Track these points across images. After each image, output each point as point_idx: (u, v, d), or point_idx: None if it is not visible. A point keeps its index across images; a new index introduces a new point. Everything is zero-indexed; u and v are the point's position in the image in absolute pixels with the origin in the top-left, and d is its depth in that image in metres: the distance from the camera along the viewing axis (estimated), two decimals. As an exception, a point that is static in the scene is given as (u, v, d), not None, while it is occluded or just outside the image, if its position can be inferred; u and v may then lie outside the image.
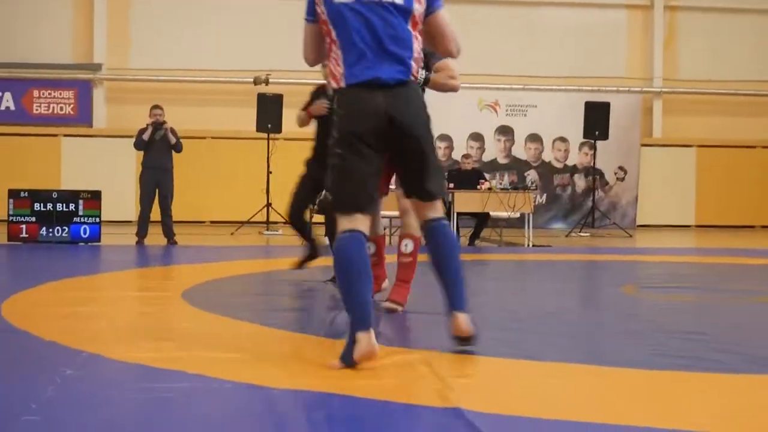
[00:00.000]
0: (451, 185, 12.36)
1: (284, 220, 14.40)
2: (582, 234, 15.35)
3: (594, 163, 16.58)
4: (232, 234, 14.21)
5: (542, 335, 4.82)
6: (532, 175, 16.70)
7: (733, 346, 4.40)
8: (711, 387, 3.58)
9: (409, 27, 3.97)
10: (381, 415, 3.09)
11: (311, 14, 4.06)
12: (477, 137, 16.98)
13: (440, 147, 16.89)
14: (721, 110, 19.00)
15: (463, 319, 4.01)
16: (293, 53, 16.53)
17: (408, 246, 5.49)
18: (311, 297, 6.68)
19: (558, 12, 18.12)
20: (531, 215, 12.82)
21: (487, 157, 17.19)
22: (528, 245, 12.51)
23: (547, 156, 17.90)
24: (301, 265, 7.44)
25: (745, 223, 18.75)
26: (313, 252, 7.46)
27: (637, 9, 18.79)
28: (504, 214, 12.62)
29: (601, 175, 17.69)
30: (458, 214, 12.43)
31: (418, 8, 3.97)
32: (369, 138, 3.88)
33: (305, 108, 6.86)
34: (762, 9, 19.10)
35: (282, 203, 14.46)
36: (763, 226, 18.66)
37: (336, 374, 3.58)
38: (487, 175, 13.83)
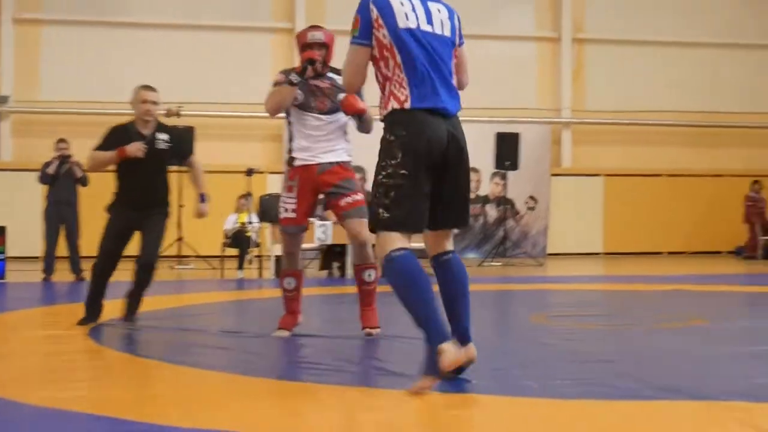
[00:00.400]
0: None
1: (196, 254, 14.41)
2: (494, 263, 15.52)
3: (505, 193, 16.82)
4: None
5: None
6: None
7: (634, 373, 4.47)
8: (608, 412, 3.64)
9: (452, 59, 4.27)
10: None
11: (367, 38, 4.15)
12: (359, 170, 17.02)
13: (357, 177, 16.94)
14: (627, 140, 19.51)
15: (474, 349, 4.18)
16: (205, 85, 16.55)
17: (371, 275, 5.85)
18: (222, 334, 6.58)
19: (469, 44, 18.31)
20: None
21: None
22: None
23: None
24: (83, 322, 6.62)
25: (652, 249, 19.21)
26: (92, 315, 6.65)
27: (546, 41, 19.23)
28: (418, 245, 12.67)
29: (512, 204, 17.92)
30: (374, 245, 12.44)
31: (457, 42, 4.35)
32: (431, 162, 4.04)
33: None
34: (665, 41, 19.68)
35: (194, 237, 14.43)
36: (670, 252, 19.14)
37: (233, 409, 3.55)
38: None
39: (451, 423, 3.58)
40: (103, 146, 6.57)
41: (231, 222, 13.27)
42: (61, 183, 11.37)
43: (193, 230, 14.60)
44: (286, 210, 5.89)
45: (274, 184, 16.94)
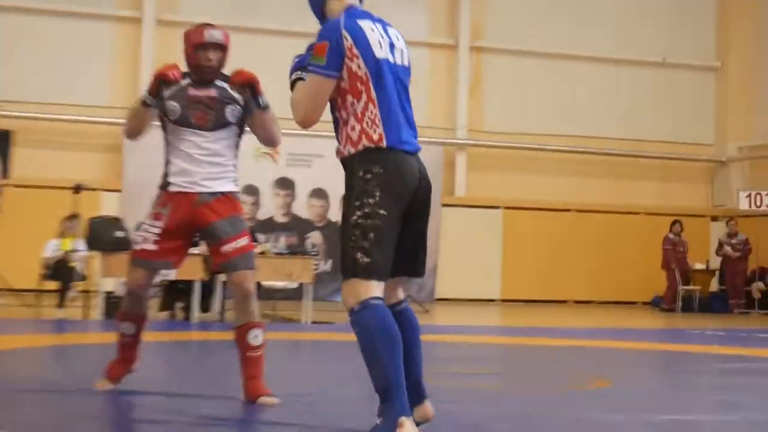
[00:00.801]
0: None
1: (7, 287, 14.01)
2: (372, 308, 15.58)
3: (387, 224, 16.94)
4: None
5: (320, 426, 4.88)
6: (314, 237, 16.82)
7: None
8: None
9: None
10: None
11: (336, 69, 4.22)
12: (251, 191, 16.94)
13: (246, 202, 16.82)
14: (531, 167, 19.90)
15: (431, 407, 4.42)
16: (27, 81, 16.20)
17: (258, 337, 5.59)
18: (39, 386, 6.43)
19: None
20: (311, 286, 12.91)
21: (262, 214, 17.12)
22: (306, 321, 12.57)
23: (334, 215, 18.08)
24: None
25: (556, 297, 19.65)
26: None
27: (441, 49, 19.50)
28: (279, 284, 12.65)
29: (396, 238, 18.07)
30: (224, 282, 12.38)
31: None
32: (406, 202, 4.25)
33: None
34: (578, 55, 20.25)
35: (6, 266, 14.05)
36: (576, 301, 19.58)
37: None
38: (260, 236, 13.85)
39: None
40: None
41: (52, 249, 12.96)
42: None
43: (5, 257, 14.24)
44: (146, 240, 5.68)
45: (107, 205, 16.69)
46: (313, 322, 12.54)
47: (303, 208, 17.73)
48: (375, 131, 4.23)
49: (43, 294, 12.76)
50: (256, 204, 17.16)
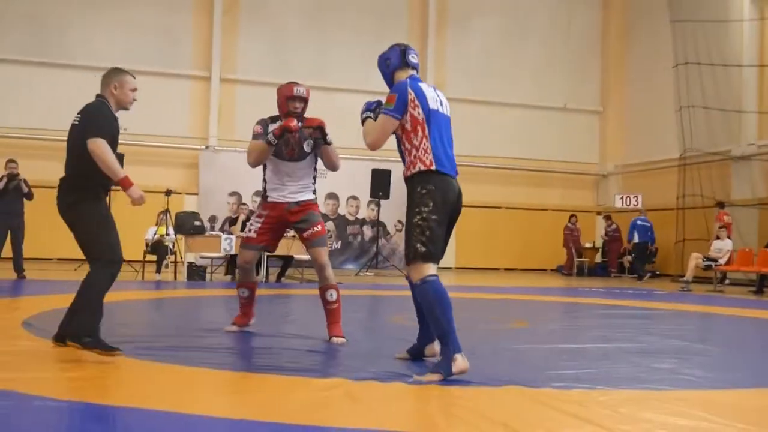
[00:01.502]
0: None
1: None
2: (368, 273, 15.66)
3: (378, 217, 17.01)
4: (75, 270, 13.57)
5: (326, 356, 4.93)
6: (329, 226, 16.91)
7: (480, 365, 4.63)
8: (443, 395, 3.73)
9: None
10: None
11: (400, 113, 4.31)
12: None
13: (255, 201, 16.83)
14: (476, 179, 19.65)
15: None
16: (136, 119, 15.85)
17: (333, 295, 5.60)
18: (147, 325, 6.47)
19: (347, 96, 18.37)
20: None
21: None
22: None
23: (342, 210, 18.20)
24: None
25: (493, 266, 19.70)
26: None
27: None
28: (306, 257, 12.72)
29: (384, 226, 18.14)
30: (268, 256, 12.44)
31: None
32: (448, 211, 4.29)
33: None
34: (509, 102, 20.25)
35: (122, 244, 14.04)
36: (506, 269, 19.63)
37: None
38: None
39: (322, 403, 3.62)
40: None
41: (151, 233, 13.01)
42: (10, 197, 11.24)
43: (121, 239, 14.24)
44: (250, 230, 5.75)
45: (188, 203, 16.73)
46: (328, 283, 12.55)
47: (322, 206, 17.81)
48: (427, 158, 4.27)
49: (146, 264, 12.80)
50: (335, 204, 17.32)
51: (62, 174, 4.59)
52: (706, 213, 17.06)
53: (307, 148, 5.70)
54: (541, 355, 5.22)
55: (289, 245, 12.25)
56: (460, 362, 4.06)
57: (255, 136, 5.63)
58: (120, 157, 15.02)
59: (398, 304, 9.49)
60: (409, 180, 4.34)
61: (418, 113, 4.31)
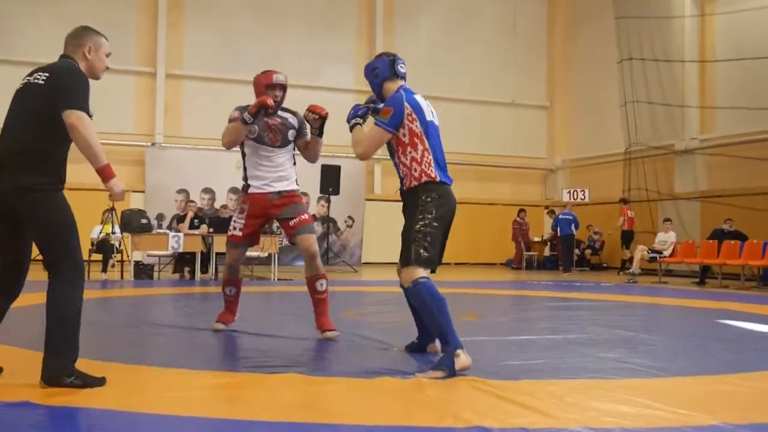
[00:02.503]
0: (211, 229, 12.27)
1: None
2: (318, 270, 15.61)
3: (328, 213, 17.00)
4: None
5: (286, 354, 4.93)
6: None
7: (410, 357, 4.69)
8: (393, 390, 3.77)
9: None
10: None
11: (395, 127, 4.33)
12: (234, 191, 16.91)
13: (203, 198, 16.70)
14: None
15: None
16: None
17: (323, 284, 5.54)
18: (90, 324, 6.35)
19: (296, 93, 18.35)
20: (276, 254, 12.94)
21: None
22: (274, 279, 12.59)
23: (292, 207, 18.13)
24: None
25: (445, 261, 19.76)
26: None
27: (361, 93, 19.50)
28: (255, 254, 12.67)
29: (335, 222, 18.14)
30: (217, 253, 12.36)
31: None
32: (450, 218, 4.45)
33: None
34: (457, 98, 20.41)
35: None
36: (456, 263, 19.80)
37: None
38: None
39: (318, 399, 3.64)
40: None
41: (96, 232, 12.82)
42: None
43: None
44: (235, 228, 5.60)
45: (135, 201, 16.49)
46: (278, 279, 12.55)
47: (270, 202, 17.72)
48: (431, 171, 4.35)
49: (91, 263, 12.60)
50: (238, 200, 17.09)
51: None
52: (651, 206, 17.45)
53: (290, 136, 5.63)
54: (491, 347, 5.28)
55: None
56: (463, 358, 4.08)
57: (231, 121, 5.50)
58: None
59: (350, 299, 9.52)
60: (412, 191, 4.40)
61: (416, 126, 4.36)
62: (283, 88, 5.59)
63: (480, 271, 17.79)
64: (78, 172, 15.27)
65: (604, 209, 18.77)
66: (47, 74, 3.68)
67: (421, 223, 4.30)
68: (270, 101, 5.34)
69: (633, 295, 10.94)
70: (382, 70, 4.56)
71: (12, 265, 3.83)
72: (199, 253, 12.31)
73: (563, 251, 17.46)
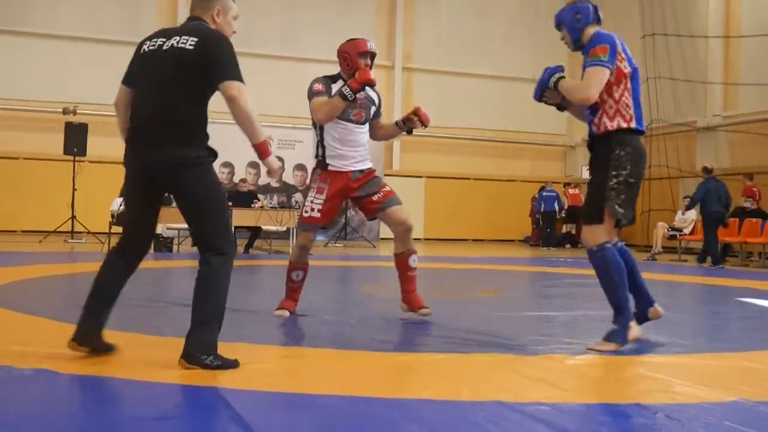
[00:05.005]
0: (230, 203, 12.29)
1: (87, 230, 13.91)
2: (337, 244, 15.67)
3: (347, 188, 16.97)
4: (40, 242, 13.43)
5: (304, 327, 4.95)
6: (297, 197, 16.86)
7: (438, 332, 4.69)
8: (416, 362, 3.79)
9: None
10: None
11: (612, 64, 4.12)
12: (254, 165, 16.93)
13: (223, 172, 16.74)
14: (444, 150, 20.08)
15: (659, 306, 4.55)
16: (97, 90, 15.85)
17: (415, 260, 5.24)
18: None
19: (317, 67, 18.27)
20: (293, 229, 12.96)
21: (262, 181, 17.19)
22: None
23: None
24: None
25: (461, 237, 19.83)
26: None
27: (382, 69, 19.45)
28: (273, 228, 12.70)
29: (353, 198, 18.13)
30: (236, 227, 12.39)
31: None
32: (642, 172, 4.20)
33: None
34: (478, 74, 20.31)
35: (85, 216, 13.94)
36: (474, 239, 19.82)
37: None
38: (260, 196, 13.85)
39: (286, 370, 3.65)
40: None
41: (117, 204, 12.87)
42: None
43: (85, 211, 14.12)
44: (313, 209, 5.11)
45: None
46: (297, 254, 12.56)
47: (289, 177, 17.78)
48: (628, 114, 4.14)
49: (111, 235, 12.67)
50: (257, 174, 17.15)
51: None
52: (671, 183, 17.29)
53: (370, 114, 5.27)
54: (509, 322, 5.28)
55: (257, 216, 12.22)
56: (635, 330, 4.13)
57: (317, 93, 5.07)
58: (84, 128, 15.04)
59: (369, 274, 9.57)
60: (602, 137, 4.20)
61: (624, 66, 4.18)
62: (373, 56, 5.18)
63: (498, 247, 17.77)
64: (98, 144, 15.38)
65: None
66: (195, 39, 3.42)
67: (615, 180, 4.10)
68: (374, 79, 4.97)
69: (652, 272, 10.86)
70: (585, 15, 4.38)
71: (141, 232, 3.69)
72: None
73: (544, 228, 17.76)
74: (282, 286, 5.38)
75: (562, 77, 4.36)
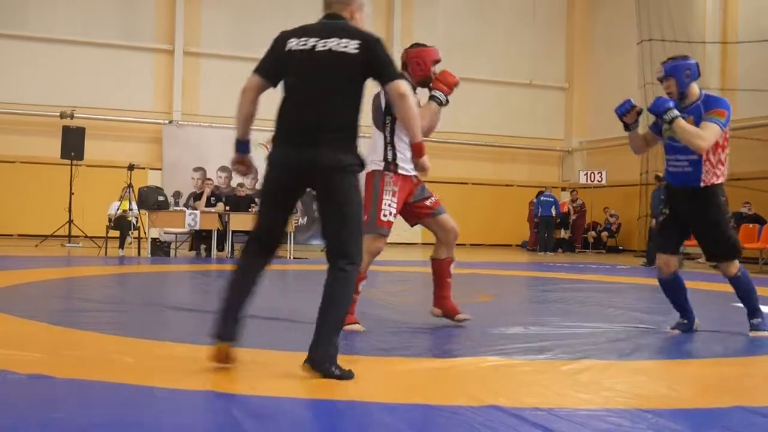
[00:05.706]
0: (228, 207, 12.32)
1: (84, 234, 13.90)
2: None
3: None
4: (37, 246, 13.42)
5: (295, 331, 4.94)
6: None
7: (428, 338, 4.69)
8: (412, 368, 3.78)
9: None
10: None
11: (726, 127, 4.88)
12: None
13: (220, 176, 16.73)
14: (441, 155, 19.82)
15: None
16: (95, 93, 15.90)
17: (453, 268, 5.33)
18: (107, 300, 6.42)
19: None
20: (293, 233, 12.96)
21: (259, 186, 17.13)
22: (289, 257, 12.62)
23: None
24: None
25: (459, 241, 19.75)
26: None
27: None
28: (272, 232, 12.65)
29: (350, 202, 18.13)
30: (233, 231, 12.40)
31: None
32: None
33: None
34: (476, 78, 20.30)
35: (82, 220, 13.92)
36: (471, 244, 19.81)
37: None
38: (258, 201, 13.83)
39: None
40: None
41: (114, 208, 12.90)
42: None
43: (82, 215, 14.11)
44: (391, 213, 4.91)
45: (152, 178, 16.57)
46: (294, 258, 12.59)
47: (287, 181, 17.73)
48: (722, 172, 4.87)
49: (109, 239, 12.69)
50: (255, 179, 17.07)
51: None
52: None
53: None
54: (505, 326, 5.28)
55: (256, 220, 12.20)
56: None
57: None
58: (81, 132, 15.09)
59: (370, 278, 9.51)
60: (709, 188, 4.82)
61: (728, 130, 4.83)
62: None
63: (495, 252, 17.77)
64: (96, 148, 15.39)
65: (621, 191, 18.66)
66: (357, 42, 3.39)
67: (726, 218, 4.88)
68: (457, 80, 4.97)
69: (649, 277, 10.86)
70: (694, 72, 4.90)
71: (274, 233, 3.63)
72: (216, 231, 12.36)
73: (541, 232, 17.84)
74: (282, 289, 5.38)
75: (679, 116, 4.79)
